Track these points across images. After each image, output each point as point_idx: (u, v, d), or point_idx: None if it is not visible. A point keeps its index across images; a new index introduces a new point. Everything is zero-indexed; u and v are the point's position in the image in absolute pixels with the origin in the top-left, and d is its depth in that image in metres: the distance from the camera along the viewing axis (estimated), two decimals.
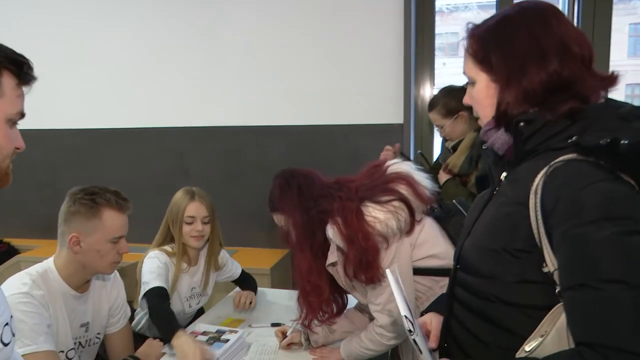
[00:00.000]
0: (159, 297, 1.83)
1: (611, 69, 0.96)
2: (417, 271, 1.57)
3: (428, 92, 2.99)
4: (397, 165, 1.61)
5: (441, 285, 1.56)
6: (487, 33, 0.97)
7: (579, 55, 0.90)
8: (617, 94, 1.01)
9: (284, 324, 1.93)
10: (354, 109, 2.93)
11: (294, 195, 1.59)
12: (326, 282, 1.61)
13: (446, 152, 2.47)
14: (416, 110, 2.99)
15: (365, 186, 1.56)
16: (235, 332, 1.83)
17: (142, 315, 2.08)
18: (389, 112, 2.86)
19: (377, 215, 1.48)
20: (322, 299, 1.63)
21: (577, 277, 0.81)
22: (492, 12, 1.21)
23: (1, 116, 0.86)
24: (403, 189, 1.52)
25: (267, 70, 3.06)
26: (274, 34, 3.02)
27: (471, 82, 1.02)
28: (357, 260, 1.47)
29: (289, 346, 1.79)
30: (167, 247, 2.03)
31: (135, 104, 3.33)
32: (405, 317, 0.96)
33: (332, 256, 1.55)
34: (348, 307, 1.80)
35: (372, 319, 1.81)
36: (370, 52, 2.87)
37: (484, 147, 1.07)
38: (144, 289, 1.87)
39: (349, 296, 1.75)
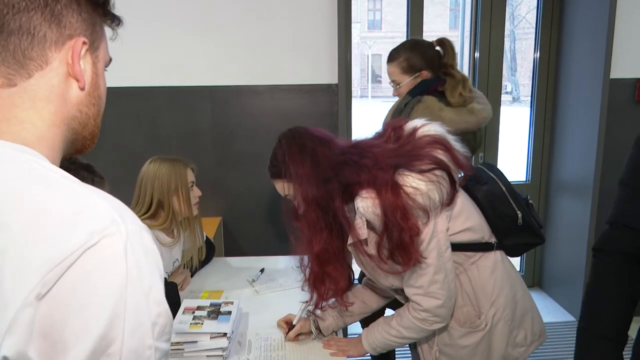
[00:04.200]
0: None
1: None
2: (451, 247, 1.39)
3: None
4: (427, 127, 1.39)
5: (472, 261, 1.44)
6: None
7: None
8: None
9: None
10: (284, 69, 2.79)
11: (307, 163, 1.37)
12: (344, 268, 1.47)
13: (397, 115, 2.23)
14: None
15: (392, 152, 1.35)
16: (230, 303, 1.73)
17: None
18: (324, 72, 2.78)
19: (419, 185, 1.28)
20: (338, 288, 1.47)
21: None
22: None
23: (102, 64, 0.74)
24: (441, 155, 1.33)
25: (187, 28, 2.75)
26: None
27: None
28: (394, 240, 1.29)
29: (297, 337, 1.61)
30: (147, 221, 1.88)
31: None
32: None
33: (359, 232, 1.32)
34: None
35: (386, 297, 1.67)
36: (302, 9, 2.73)
37: None
38: None
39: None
